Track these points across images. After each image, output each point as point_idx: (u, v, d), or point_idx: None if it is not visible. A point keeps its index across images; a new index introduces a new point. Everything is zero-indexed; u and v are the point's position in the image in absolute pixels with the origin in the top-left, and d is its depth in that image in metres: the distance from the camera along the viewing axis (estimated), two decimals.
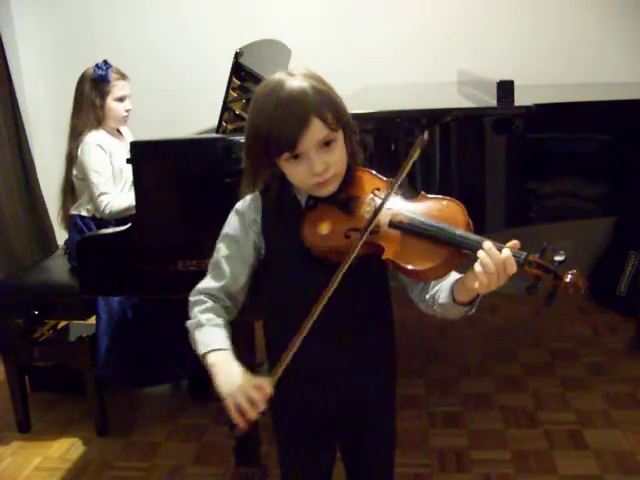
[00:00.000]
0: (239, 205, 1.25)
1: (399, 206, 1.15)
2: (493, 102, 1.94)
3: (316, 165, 1.11)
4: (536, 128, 1.98)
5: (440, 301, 1.16)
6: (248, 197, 1.25)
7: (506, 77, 1.91)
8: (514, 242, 1.05)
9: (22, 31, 3.45)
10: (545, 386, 2.54)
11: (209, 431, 2.39)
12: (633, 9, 3.08)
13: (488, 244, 1.03)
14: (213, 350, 1.16)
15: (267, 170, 1.19)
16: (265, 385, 1.09)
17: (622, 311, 3.08)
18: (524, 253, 1.04)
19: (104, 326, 2.34)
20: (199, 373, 2.49)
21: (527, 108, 1.93)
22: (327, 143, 1.13)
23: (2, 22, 3.33)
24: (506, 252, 1.02)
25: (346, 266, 1.09)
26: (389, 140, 1.88)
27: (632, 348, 2.79)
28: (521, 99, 1.94)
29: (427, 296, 1.20)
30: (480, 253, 1.03)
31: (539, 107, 1.94)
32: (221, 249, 1.24)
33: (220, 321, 1.21)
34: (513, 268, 1.02)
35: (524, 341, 2.94)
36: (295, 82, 1.11)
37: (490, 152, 1.98)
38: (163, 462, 2.23)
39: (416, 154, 1.11)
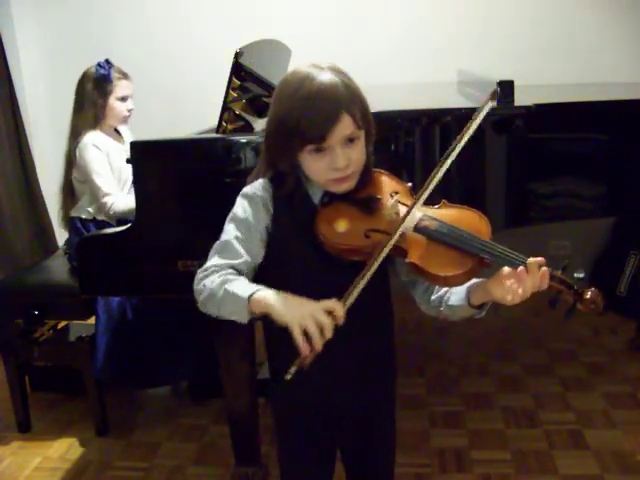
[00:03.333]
0: (248, 189, 1.22)
1: (423, 211, 1.16)
2: (493, 102, 1.93)
3: (339, 160, 1.12)
4: (536, 128, 1.98)
5: (450, 303, 1.17)
6: (258, 182, 1.23)
7: (506, 77, 1.91)
8: (540, 259, 1.06)
9: (22, 31, 3.45)
10: (545, 386, 2.54)
11: (209, 431, 2.39)
12: (633, 9, 3.08)
13: (533, 263, 1.05)
14: (258, 290, 1.09)
15: (285, 160, 1.18)
16: (337, 307, 1.03)
17: (622, 311, 3.07)
18: (548, 269, 1.06)
19: (103, 326, 2.33)
20: (200, 374, 2.52)
21: (527, 108, 1.93)
22: (351, 140, 1.14)
23: (2, 22, 3.33)
24: (543, 269, 1.04)
25: (375, 267, 1.09)
26: (389, 140, 1.88)
27: (632, 348, 2.79)
28: (521, 99, 1.94)
29: (433, 297, 1.21)
30: (521, 270, 1.04)
31: (539, 107, 1.94)
32: (230, 231, 1.19)
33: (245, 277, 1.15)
34: (545, 285, 1.05)
35: (524, 341, 2.94)
36: (326, 76, 1.12)
37: (490, 152, 1.97)
38: (163, 462, 2.23)
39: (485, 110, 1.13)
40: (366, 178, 1.21)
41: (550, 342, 2.90)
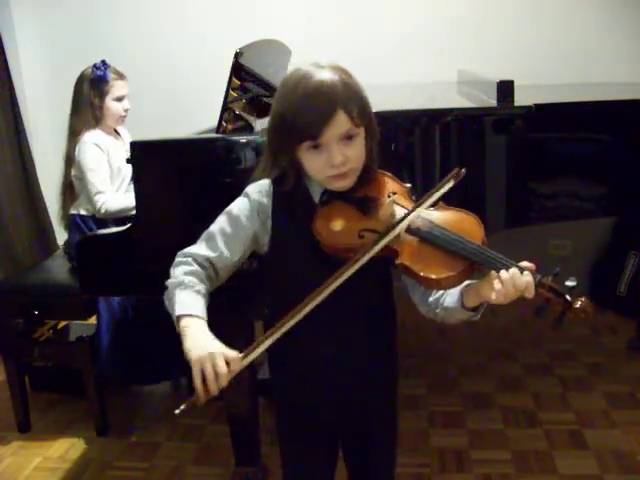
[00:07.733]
0: (250, 189, 1.25)
1: (418, 212, 1.15)
2: (493, 102, 1.94)
3: (335, 157, 1.12)
4: (536, 128, 1.98)
5: (446, 305, 1.16)
6: (260, 182, 1.24)
7: (506, 77, 1.91)
8: (531, 265, 1.07)
9: (22, 31, 3.45)
10: (545, 386, 2.54)
11: (209, 431, 2.39)
12: (632, 9, 3.08)
13: (514, 269, 1.05)
14: (190, 315, 1.13)
15: (285, 157, 1.19)
16: (236, 360, 1.06)
17: (622, 311, 3.07)
18: (538, 275, 1.06)
19: (106, 325, 2.34)
20: None
21: (527, 108, 1.93)
22: (349, 137, 1.14)
23: (2, 22, 3.33)
24: (528, 277, 1.04)
25: (357, 266, 1.09)
26: (389, 140, 1.88)
27: (632, 348, 2.79)
28: (521, 99, 1.94)
29: (430, 299, 1.20)
30: (503, 274, 1.05)
31: (539, 107, 1.94)
32: (220, 223, 1.24)
33: (202, 288, 1.19)
34: (531, 293, 1.05)
35: (524, 341, 2.94)
36: (324, 74, 1.13)
37: (490, 152, 1.98)
38: (163, 462, 2.23)
39: (448, 185, 1.14)
40: (366, 177, 1.21)
41: (550, 342, 2.90)
